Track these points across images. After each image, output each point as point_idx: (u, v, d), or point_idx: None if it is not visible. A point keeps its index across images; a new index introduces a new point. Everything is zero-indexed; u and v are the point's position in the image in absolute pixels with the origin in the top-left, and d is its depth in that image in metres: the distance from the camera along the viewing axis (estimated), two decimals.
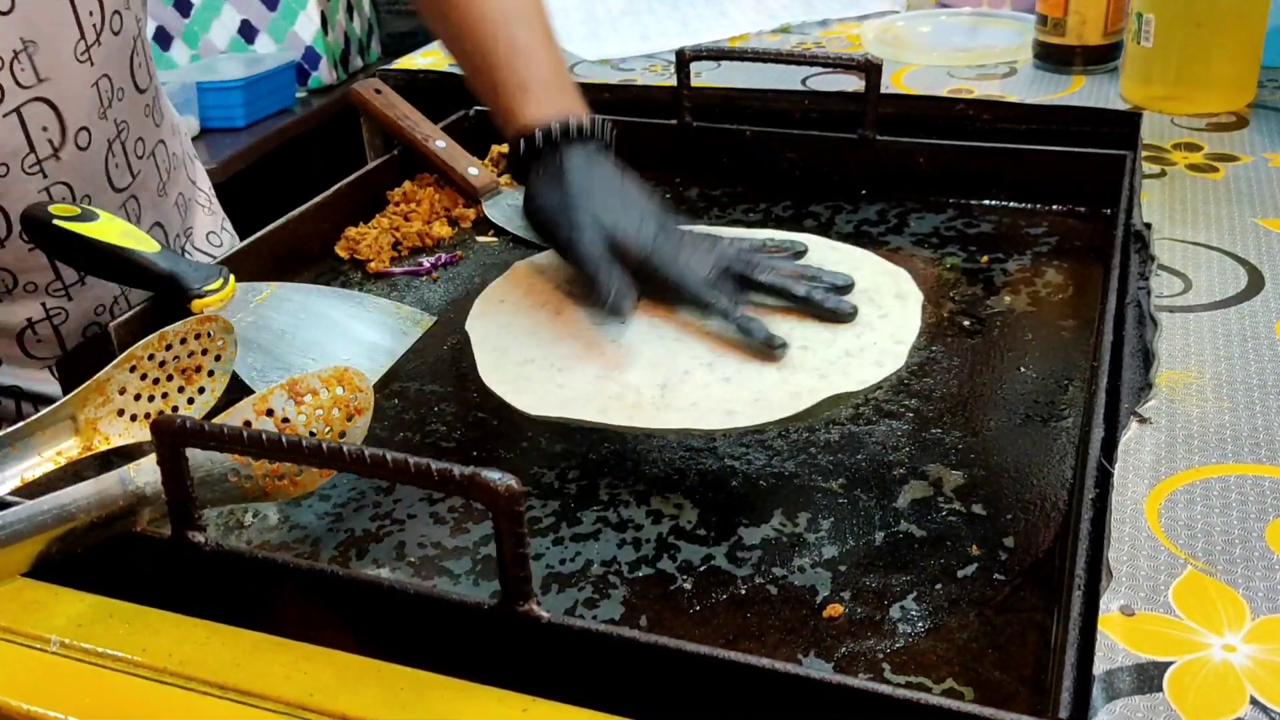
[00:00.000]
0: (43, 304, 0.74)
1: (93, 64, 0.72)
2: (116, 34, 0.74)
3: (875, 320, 0.68)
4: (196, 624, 0.44)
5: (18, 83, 0.68)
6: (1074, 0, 0.94)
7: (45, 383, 0.76)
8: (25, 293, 0.73)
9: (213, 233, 0.90)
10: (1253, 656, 0.39)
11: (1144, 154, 0.79)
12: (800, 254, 0.75)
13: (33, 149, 0.70)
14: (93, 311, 0.77)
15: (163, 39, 1.98)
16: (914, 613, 0.48)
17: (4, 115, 0.67)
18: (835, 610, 0.48)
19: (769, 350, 0.64)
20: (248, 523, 0.56)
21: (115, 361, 0.56)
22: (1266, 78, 0.90)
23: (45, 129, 0.70)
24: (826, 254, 0.76)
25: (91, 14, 0.71)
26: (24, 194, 0.70)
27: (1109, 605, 0.41)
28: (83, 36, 0.70)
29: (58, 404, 0.54)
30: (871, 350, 0.66)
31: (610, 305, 0.66)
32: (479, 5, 0.77)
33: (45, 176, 0.71)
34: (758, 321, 0.65)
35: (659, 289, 0.69)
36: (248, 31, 1.97)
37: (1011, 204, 0.84)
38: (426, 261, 0.80)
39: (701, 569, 0.51)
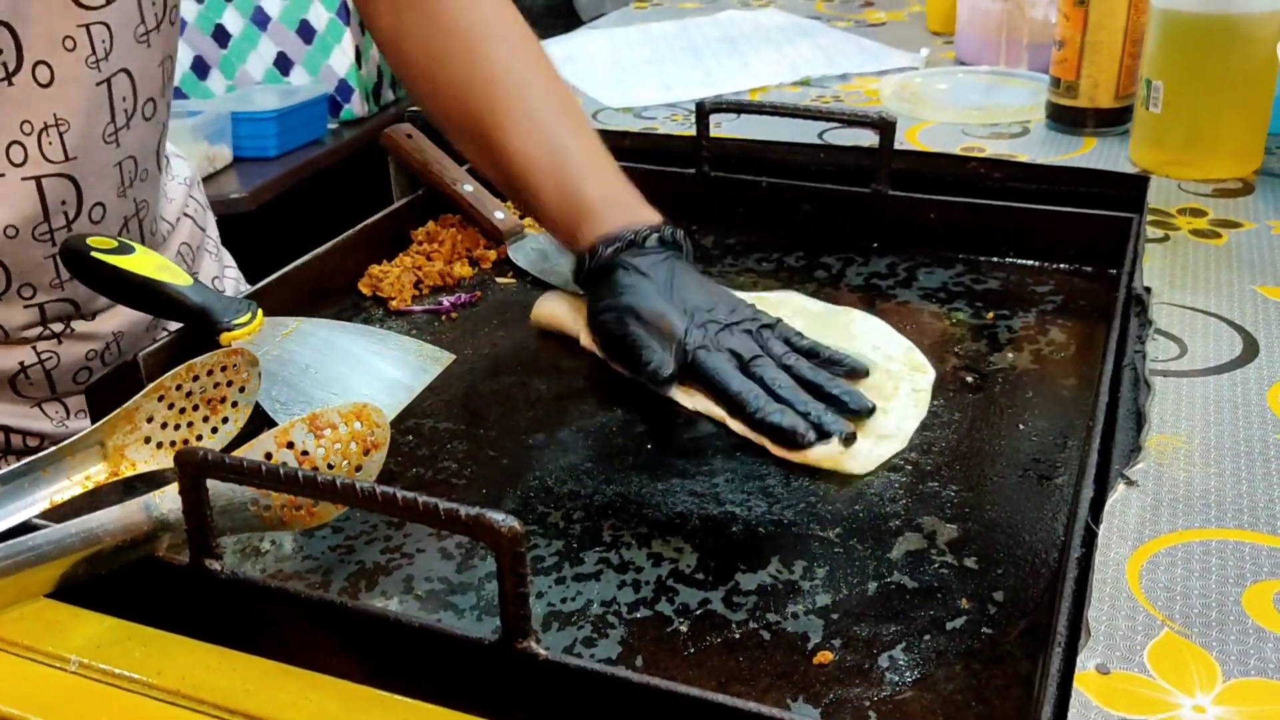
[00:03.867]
0: (34, 348, 0.76)
1: (119, 145, 0.74)
2: (148, 120, 0.76)
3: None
4: (210, 649, 0.46)
5: (44, 155, 0.69)
6: (1087, 64, 0.96)
7: (36, 419, 0.78)
8: (16, 344, 0.75)
9: (217, 277, 0.93)
10: (1222, 718, 0.40)
11: (1149, 218, 0.81)
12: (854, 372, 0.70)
13: (47, 219, 0.71)
14: (84, 357, 0.78)
15: (200, 69, 2.03)
16: (902, 662, 0.50)
17: (23, 179, 0.69)
18: (825, 657, 0.50)
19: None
20: (265, 550, 0.58)
21: (144, 391, 0.58)
22: (1275, 144, 0.91)
23: (64, 203, 0.72)
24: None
25: (125, 99, 0.73)
26: (28, 258, 0.72)
27: (1086, 663, 0.43)
28: (113, 119, 0.72)
29: (88, 430, 0.57)
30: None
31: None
32: (511, 107, 0.77)
33: (54, 244, 0.73)
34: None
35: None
36: (283, 63, 2.02)
37: (1019, 261, 0.86)
38: (446, 301, 0.83)
39: (698, 612, 0.53)
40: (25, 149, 0.69)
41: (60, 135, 0.70)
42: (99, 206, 0.74)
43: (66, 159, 0.71)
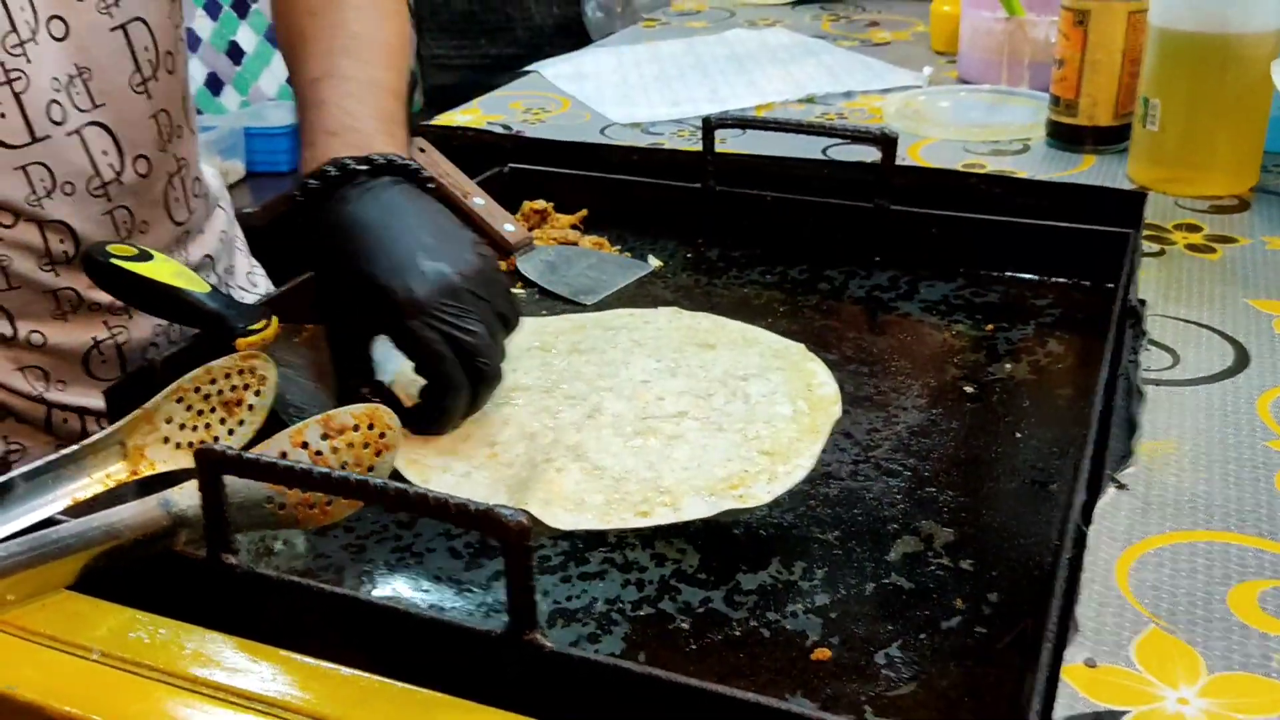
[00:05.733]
0: (105, 322, 0.79)
1: (150, 97, 0.78)
2: (171, 73, 0.80)
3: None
4: (225, 639, 0.48)
5: (75, 105, 0.73)
6: (1086, 83, 0.97)
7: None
8: (90, 311, 0.78)
9: (250, 272, 0.96)
10: (1205, 710, 0.42)
11: (1145, 233, 0.83)
12: None
13: (97, 172, 0.75)
14: (152, 332, 0.82)
15: (214, 85, 2.06)
16: (898, 660, 0.51)
17: (67, 135, 0.73)
18: (823, 654, 0.51)
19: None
20: (277, 549, 0.60)
21: (164, 392, 0.60)
22: (1271, 162, 0.93)
23: (105, 153, 0.75)
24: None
25: (147, 49, 0.77)
26: (90, 215, 0.76)
27: (1074, 657, 0.44)
28: (138, 69, 0.76)
29: (108, 430, 0.58)
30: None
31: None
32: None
33: (109, 200, 0.76)
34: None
35: None
36: None
37: (1019, 275, 0.87)
38: None
39: (700, 611, 0.54)
40: (62, 106, 0.72)
41: (85, 84, 0.73)
42: (142, 159, 0.78)
43: (94, 105, 0.74)
